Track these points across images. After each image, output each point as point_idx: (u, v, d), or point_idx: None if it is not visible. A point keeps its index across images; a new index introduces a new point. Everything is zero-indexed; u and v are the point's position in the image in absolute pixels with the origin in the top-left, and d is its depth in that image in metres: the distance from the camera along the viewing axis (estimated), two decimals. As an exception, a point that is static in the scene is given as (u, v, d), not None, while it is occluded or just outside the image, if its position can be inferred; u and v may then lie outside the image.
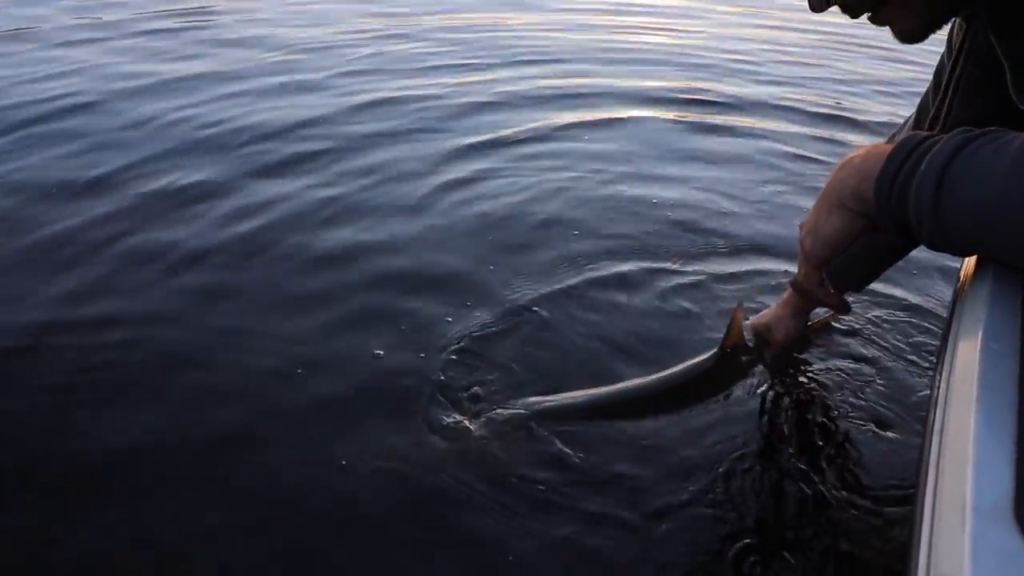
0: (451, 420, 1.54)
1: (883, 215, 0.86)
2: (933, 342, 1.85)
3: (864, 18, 0.99)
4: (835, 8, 0.98)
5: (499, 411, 1.55)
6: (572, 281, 2.15)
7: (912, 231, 0.84)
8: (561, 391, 1.62)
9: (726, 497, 1.38)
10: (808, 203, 2.65)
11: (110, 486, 1.43)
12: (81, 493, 1.40)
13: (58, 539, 1.30)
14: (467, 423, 1.52)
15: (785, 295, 1.66)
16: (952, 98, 1.05)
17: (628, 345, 1.87)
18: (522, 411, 1.54)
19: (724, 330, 1.64)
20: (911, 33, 0.99)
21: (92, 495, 1.40)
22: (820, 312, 1.79)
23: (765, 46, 5.55)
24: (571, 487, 1.39)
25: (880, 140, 1.51)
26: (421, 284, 2.13)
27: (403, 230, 2.46)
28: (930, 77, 1.33)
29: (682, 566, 1.26)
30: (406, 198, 2.71)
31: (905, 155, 0.83)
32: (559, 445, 1.48)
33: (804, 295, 1.54)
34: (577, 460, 1.45)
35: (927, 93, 1.36)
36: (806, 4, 1.00)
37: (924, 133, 0.85)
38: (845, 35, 5.73)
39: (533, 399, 1.58)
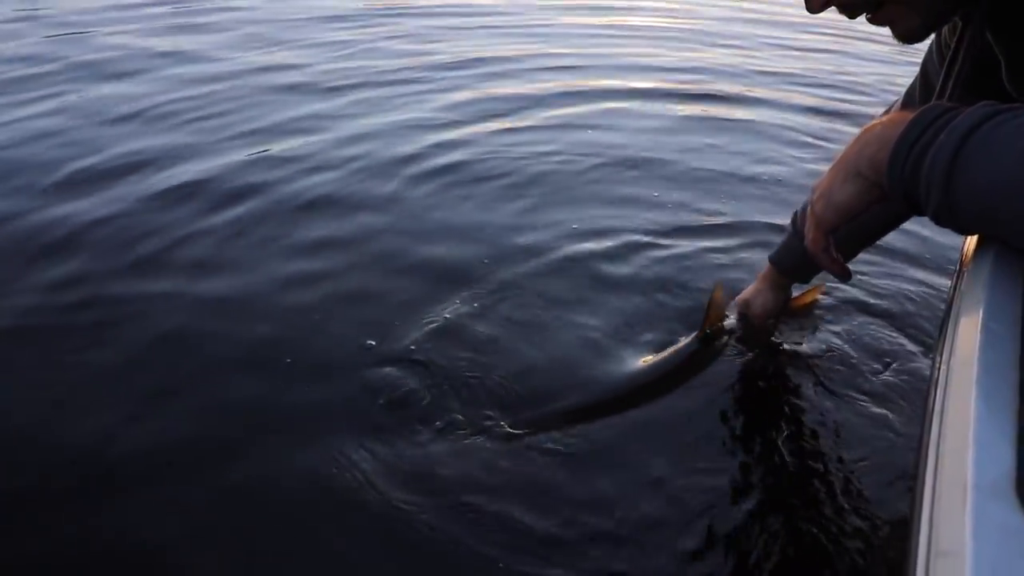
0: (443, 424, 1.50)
1: (893, 183, 0.85)
2: (927, 315, 1.87)
3: (863, 17, 0.99)
4: (833, 8, 0.98)
5: (498, 422, 1.50)
6: (558, 257, 2.18)
7: (920, 203, 0.83)
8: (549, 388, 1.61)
9: (711, 488, 1.37)
10: (802, 183, 2.72)
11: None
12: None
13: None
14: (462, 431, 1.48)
15: (764, 270, 1.69)
16: (952, 93, 1.05)
17: (617, 326, 1.87)
18: (519, 422, 1.50)
19: (704, 311, 1.66)
20: (912, 33, 0.99)
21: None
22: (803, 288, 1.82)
23: (762, 31, 5.55)
24: (554, 498, 1.35)
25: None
26: (408, 257, 2.15)
27: (388, 205, 2.50)
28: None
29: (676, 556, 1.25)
30: (391, 173, 2.73)
31: (927, 124, 0.81)
32: (545, 454, 1.44)
33: (805, 261, 1.56)
34: (562, 467, 1.41)
35: (913, 85, 1.37)
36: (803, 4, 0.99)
37: (949, 103, 0.83)
38: (843, 23, 5.72)
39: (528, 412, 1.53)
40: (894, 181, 0.85)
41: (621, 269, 2.13)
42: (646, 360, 1.69)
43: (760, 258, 2.16)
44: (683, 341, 1.70)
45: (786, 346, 1.75)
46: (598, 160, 2.93)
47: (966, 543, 0.49)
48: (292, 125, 3.18)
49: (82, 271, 2.02)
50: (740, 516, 1.31)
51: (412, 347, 1.73)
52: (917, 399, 1.52)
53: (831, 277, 1.82)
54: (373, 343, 1.74)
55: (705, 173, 2.86)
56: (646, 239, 2.28)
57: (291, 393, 1.60)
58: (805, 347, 1.76)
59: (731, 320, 1.72)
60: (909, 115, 0.84)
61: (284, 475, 1.40)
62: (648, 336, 1.81)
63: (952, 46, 1.05)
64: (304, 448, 1.46)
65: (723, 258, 2.21)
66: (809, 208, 1.05)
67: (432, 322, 1.82)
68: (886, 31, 0.99)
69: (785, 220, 1.57)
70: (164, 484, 1.38)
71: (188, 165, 2.71)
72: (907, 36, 0.99)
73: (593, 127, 3.33)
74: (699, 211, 2.53)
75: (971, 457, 0.55)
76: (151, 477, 1.39)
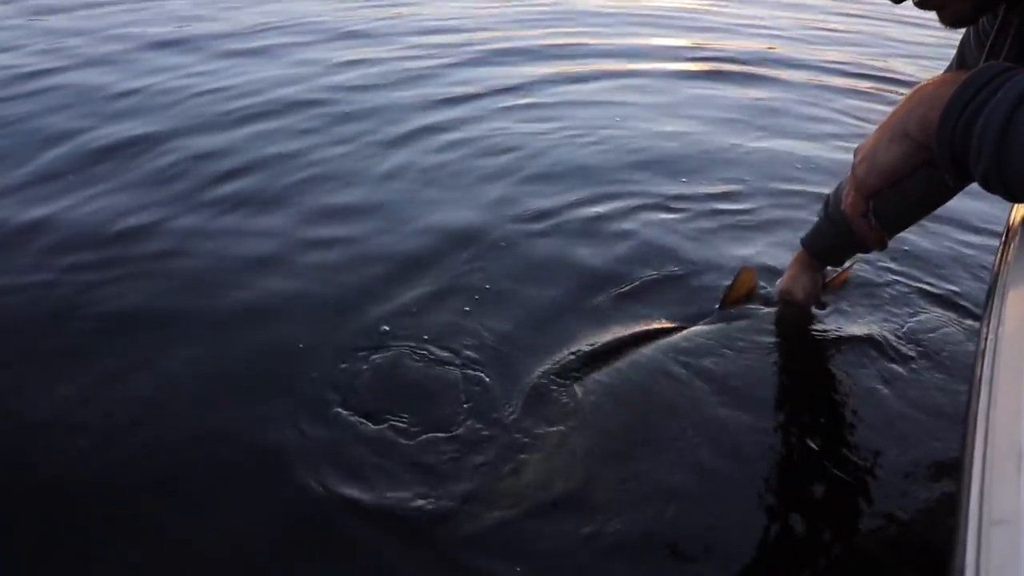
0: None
1: (943, 143, 0.82)
2: (970, 285, 1.84)
3: (909, 2, 0.97)
4: None
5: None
6: (562, 224, 2.20)
7: (968, 165, 0.80)
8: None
9: (752, 470, 1.32)
10: (817, 156, 2.70)
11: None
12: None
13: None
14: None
15: (794, 256, 1.66)
16: None
17: (621, 295, 1.84)
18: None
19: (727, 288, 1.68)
20: (961, 17, 0.97)
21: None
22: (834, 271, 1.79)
23: (780, 11, 5.49)
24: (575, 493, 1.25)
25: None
26: (406, 229, 2.15)
27: (387, 168, 2.53)
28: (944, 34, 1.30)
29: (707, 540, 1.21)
30: (394, 147, 2.75)
31: (983, 83, 0.78)
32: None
33: (836, 244, 1.54)
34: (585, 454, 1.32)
35: (949, 69, 1.34)
36: None
37: (1006, 63, 0.81)
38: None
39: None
40: (943, 141, 0.82)
41: (627, 239, 2.12)
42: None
43: (769, 226, 2.19)
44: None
45: (825, 326, 1.73)
46: (607, 133, 2.93)
47: (1022, 511, 0.49)
48: (296, 98, 3.22)
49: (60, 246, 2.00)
50: (782, 488, 1.30)
51: (410, 325, 1.67)
52: (961, 370, 1.50)
53: (861, 258, 1.83)
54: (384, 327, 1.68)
55: (716, 146, 2.84)
56: (653, 211, 2.28)
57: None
58: (845, 324, 1.73)
59: (759, 304, 1.70)
60: (963, 75, 0.81)
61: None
62: (653, 305, 1.79)
63: (993, 32, 1.03)
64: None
65: (735, 226, 2.22)
66: (851, 171, 1.03)
67: (434, 299, 1.78)
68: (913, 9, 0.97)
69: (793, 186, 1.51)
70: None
71: (187, 140, 2.75)
72: (956, 20, 0.97)
73: (604, 103, 3.33)
74: (709, 182, 2.51)
75: (1025, 425, 0.55)
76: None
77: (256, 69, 3.61)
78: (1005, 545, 0.49)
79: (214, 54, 3.86)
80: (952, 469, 1.25)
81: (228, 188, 2.37)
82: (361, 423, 1.38)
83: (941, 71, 1.35)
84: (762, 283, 1.78)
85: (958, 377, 1.49)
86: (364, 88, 3.36)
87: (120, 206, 2.23)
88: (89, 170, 2.47)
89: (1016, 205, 0.89)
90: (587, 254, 2.02)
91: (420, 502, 1.22)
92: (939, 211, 1.54)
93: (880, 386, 1.52)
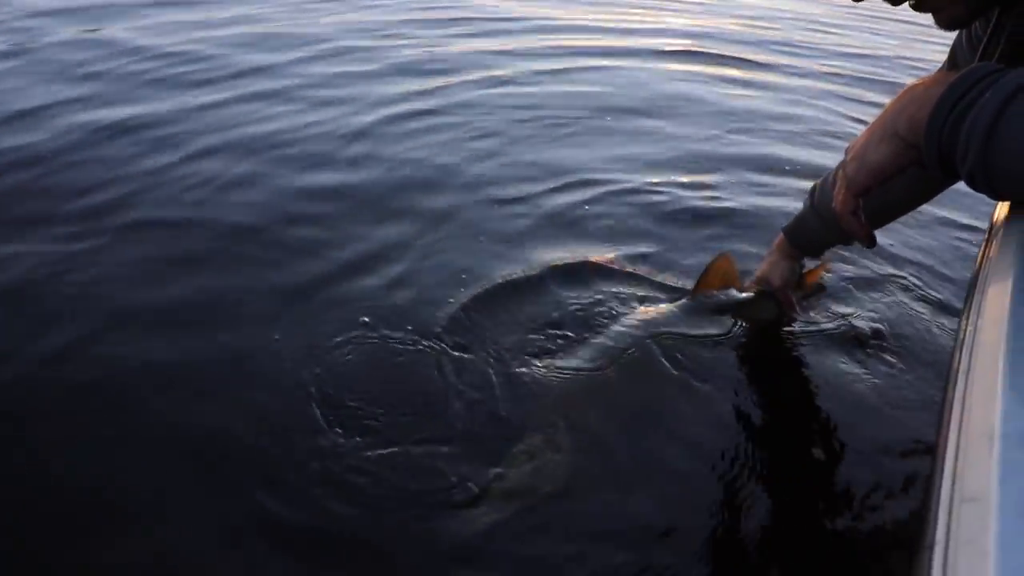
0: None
1: (931, 142, 0.84)
2: (949, 282, 1.88)
3: (906, 4, 0.98)
4: None
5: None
6: (525, 196, 2.26)
7: (954, 163, 0.82)
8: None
9: (725, 460, 1.34)
10: (793, 135, 2.73)
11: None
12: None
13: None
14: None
15: (776, 241, 1.69)
16: None
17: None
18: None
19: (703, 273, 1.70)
20: (957, 20, 0.98)
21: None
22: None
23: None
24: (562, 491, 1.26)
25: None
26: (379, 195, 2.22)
27: (360, 150, 2.56)
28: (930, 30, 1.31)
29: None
30: (369, 115, 2.81)
31: (972, 82, 0.80)
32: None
33: (818, 235, 1.57)
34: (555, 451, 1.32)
35: (942, 71, 1.36)
36: None
37: (996, 64, 0.83)
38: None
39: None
40: (931, 139, 0.84)
41: (601, 222, 2.16)
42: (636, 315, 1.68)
43: (742, 210, 2.25)
44: (672, 304, 1.71)
45: (803, 318, 1.75)
46: (582, 112, 2.97)
47: (992, 489, 0.51)
48: (278, 72, 3.24)
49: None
50: (761, 476, 1.32)
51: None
52: (935, 361, 1.54)
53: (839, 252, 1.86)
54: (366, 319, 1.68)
55: (692, 123, 2.88)
56: (628, 195, 2.33)
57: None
58: (821, 313, 1.76)
59: (734, 291, 1.72)
60: (953, 75, 0.83)
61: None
62: (628, 288, 1.82)
63: (985, 36, 1.05)
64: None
65: (707, 208, 2.27)
66: (841, 170, 1.05)
67: (409, 287, 1.79)
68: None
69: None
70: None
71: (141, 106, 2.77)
72: (951, 23, 0.99)
73: (582, 81, 3.35)
74: (687, 168, 2.55)
75: (999, 409, 0.58)
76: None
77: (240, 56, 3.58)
78: (974, 521, 0.52)
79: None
80: (922, 453, 1.29)
81: (202, 166, 2.35)
82: (338, 423, 1.35)
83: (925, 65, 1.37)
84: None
85: (931, 367, 1.53)
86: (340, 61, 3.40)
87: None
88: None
89: (1000, 203, 0.91)
90: (562, 238, 2.06)
91: (404, 508, 1.21)
92: (923, 206, 1.58)
93: (853, 374, 1.56)
